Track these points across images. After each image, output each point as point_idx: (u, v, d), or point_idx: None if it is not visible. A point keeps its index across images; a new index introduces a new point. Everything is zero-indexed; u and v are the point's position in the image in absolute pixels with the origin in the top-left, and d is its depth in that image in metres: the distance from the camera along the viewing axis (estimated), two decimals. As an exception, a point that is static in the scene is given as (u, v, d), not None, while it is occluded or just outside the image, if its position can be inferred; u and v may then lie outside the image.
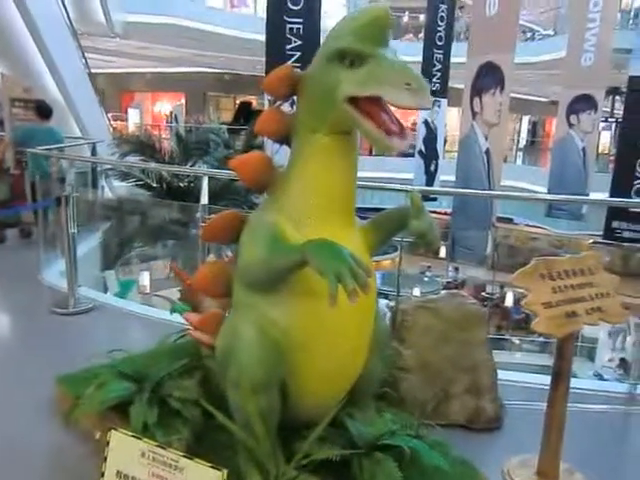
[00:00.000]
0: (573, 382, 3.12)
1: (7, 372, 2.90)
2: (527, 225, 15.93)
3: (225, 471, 1.48)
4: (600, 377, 8.98)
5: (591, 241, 8.74)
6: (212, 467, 1.50)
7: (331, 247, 1.46)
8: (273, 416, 1.69)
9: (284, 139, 1.80)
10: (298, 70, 1.74)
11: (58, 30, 8.85)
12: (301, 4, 4.84)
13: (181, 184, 7.55)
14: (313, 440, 1.69)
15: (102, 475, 1.63)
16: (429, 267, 15.88)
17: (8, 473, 2.06)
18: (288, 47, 4.89)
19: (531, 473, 1.97)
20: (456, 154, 8.12)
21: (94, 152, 7.10)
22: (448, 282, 14.51)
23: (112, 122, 13.23)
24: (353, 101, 1.50)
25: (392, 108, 1.50)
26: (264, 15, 5.04)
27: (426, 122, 9.01)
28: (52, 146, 5.38)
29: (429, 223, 1.68)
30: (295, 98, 1.76)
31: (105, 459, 1.64)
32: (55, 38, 8.54)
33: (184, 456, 1.55)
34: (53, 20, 8.64)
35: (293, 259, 1.53)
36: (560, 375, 1.89)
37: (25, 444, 2.23)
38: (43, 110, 6.25)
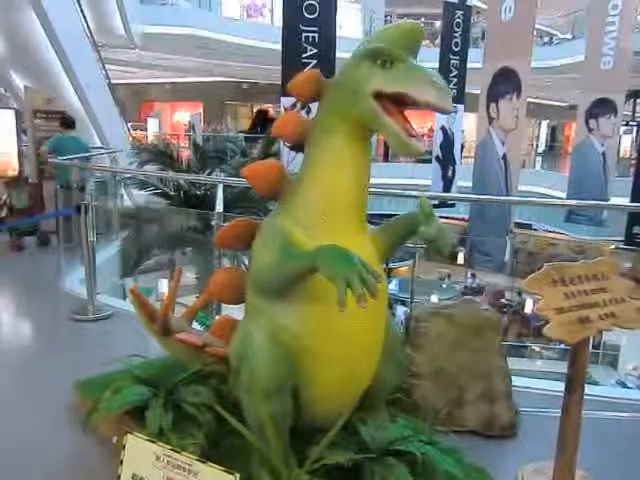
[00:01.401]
0: (594, 389, 3.11)
1: (27, 377, 2.96)
2: (546, 231, 15.73)
3: (237, 475, 1.49)
4: (623, 385, 8.81)
5: (612, 247, 8.61)
6: (225, 471, 1.52)
7: (340, 253, 1.48)
8: (285, 421, 1.71)
9: (299, 144, 1.83)
10: (325, 77, 1.77)
11: (79, 42, 9.04)
12: (317, 13, 4.89)
13: (198, 192, 7.62)
14: (325, 445, 1.70)
15: (118, 478, 1.66)
16: (449, 275, 15.79)
17: (28, 475, 2.11)
18: (304, 55, 4.93)
19: (546, 481, 1.95)
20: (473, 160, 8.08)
21: (113, 161, 7.25)
22: (466, 287, 14.41)
23: (132, 132, 13.44)
24: (378, 100, 1.55)
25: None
26: (280, 24, 5.09)
27: (443, 128, 8.97)
28: (76, 155, 5.53)
29: (438, 228, 1.69)
30: (314, 105, 1.79)
31: (121, 462, 1.67)
32: (76, 50, 8.72)
33: (198, 460, 1.57)
34: (74, 33, 8.82)
35: (304, 265, 1.55)
36: (574, 381, 1.87)
37: (45, 447, 2.28)
38: (67, 120, 6.60)
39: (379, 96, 1.54)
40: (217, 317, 2.87)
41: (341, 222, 1.69)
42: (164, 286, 9.19)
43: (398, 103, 1.54)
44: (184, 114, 23.50)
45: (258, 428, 1.70)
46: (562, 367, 1.94)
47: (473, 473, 1.89)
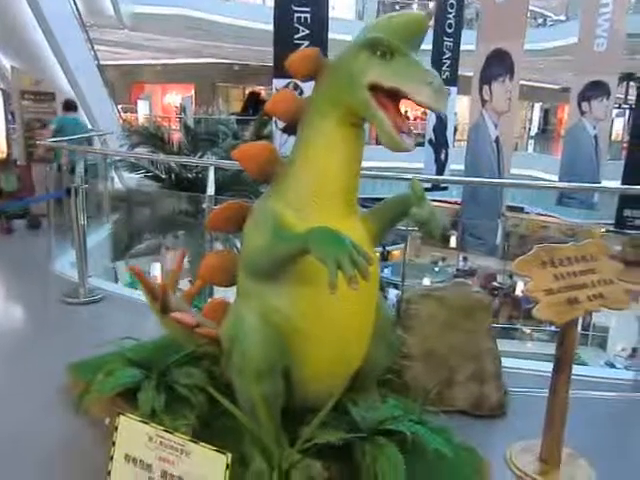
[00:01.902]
0: (581, 369, 3.15)
1: (19, 360, 2.96)
2: (538, 214, 15.81)
3: (229, 455, 1.51)
4: (612, 366, 8.95)
5: (603, 230, 8.67)
6: (217, 451, 1.53)
7: (331, 235, 1.48)
8: (277, 401, 1.73)
9: (293, 124, 1.81)
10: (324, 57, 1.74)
11: (67, 22, 8.89)
12: (309, -7, 4.82)
13: (189, 175, 7.58)
14: (316, 425, 1.72)
15: (111, 459, 1.67)
16: (444, 258, 15.86)
17: (21, 458, 2.13)
18: (296, 36, 4.87)
19: (534, 458, 1.98)
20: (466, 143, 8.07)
21: (103, 144, 7.21)
22: (458, 270, 14.50)
23: (122, 114, 13.29)
24: (373, 92, 1.53)
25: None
26: (272, 5, 5.02)
27: (436, 110, 8.94)
28: (73, 137, 5.55)
29: (430, 211, 1.69)
30: (307, 87, 1.77)
31: (114, 443, 1.68)
32: (64, 30, 8.58)
33: (190, 440, 1.58)
34: (62, 12, 8.67)
35: (295, 247, 1.55)
36: (563, 362, 1.89)
37: (37, 430, 2.29)
38: (68, 103, 6.89)
39: (375, 87, 1.53)
40: (209, 300, 2.87)
41: (332, 204, 1.68)
42: (157, 270, 9.18)
43: (393, 95, 1.52)
44: (175, 96, 23.23)
45: (250, 409, 1.72)
46: (552, 349, 1.96)
47: (462, 452, 1.93)
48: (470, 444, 2.01)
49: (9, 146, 6.64)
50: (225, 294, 2.35)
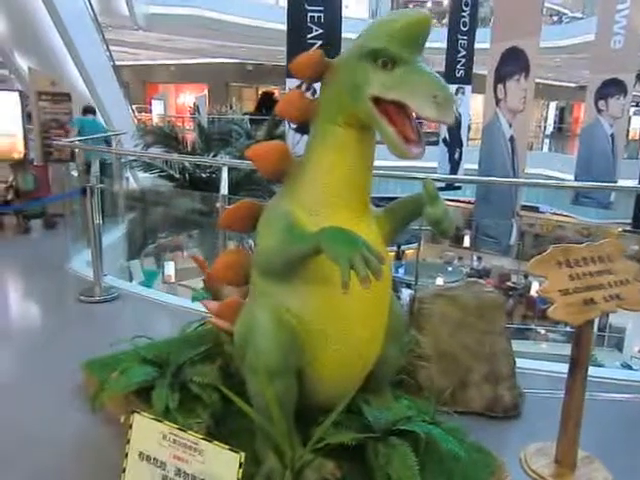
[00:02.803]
0: (597, 371, 3.12)
1: (36, 358, 3.00)
2: (554, 213, 15.64)
3: (242, 454, 1.51)
4: (629, 367, 8.82)
5: (620, 229, 8.55)
6: (230, 449, 1.54)
7: (344, 234, 1.47)
8: (290, 401, 1.73)
9: (304, 125, 1.81)
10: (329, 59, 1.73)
11: (83, 24, 9.00)
12: (322, -8, 4.82)
13: (203, 175, 7.62)
14: (329, 425, 1.72)
15: (125, 456, 1.69)
16: (460, 258, 15.76)
17: (38, 453, 2.15)
18: (309, 36, 4.87)
19: (549, 460, 1.96)
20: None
21: (118, 144, 7.30)
22: (472, 270, 14.42)
23: (136, 114, 13.40)
24: (377, 101, 1.50)
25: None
26: (285, 4, 5.03)
27: (451, 110, 8.90)
28: (92, 136, 5.66)
29: (443, 210, 1.67)
30: (319, 85, 1.76)
31: (128, 441, 1.69)
32: (80, 32, 8.69)
33: (203, 439, 1.59)
34: (78, 14, 8.78)
35: (307, 246, 1.55)
36: (578, 363, 1.87)
37: (53, 426, 2.32)
38: (87, 107, 7.18)
39: (378, 98, 1.49)
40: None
41: (345, 204, 1.68)
42: (171, 269, 9.25)
43: (399, 105, 1.47)
44: (189, 96, 23.36)
45: (263, 408, 1.72)
46: (567, 350, 1.94)
47: (475, 453, 1.91)
48: (484, 445, 1.99)
49: (26, 146, 6.72)
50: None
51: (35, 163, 6.75)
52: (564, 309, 1.74)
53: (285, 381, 1.69)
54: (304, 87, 1.87)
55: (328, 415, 1.74)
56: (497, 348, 2.40)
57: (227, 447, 1.55)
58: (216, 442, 1.56)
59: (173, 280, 9.24)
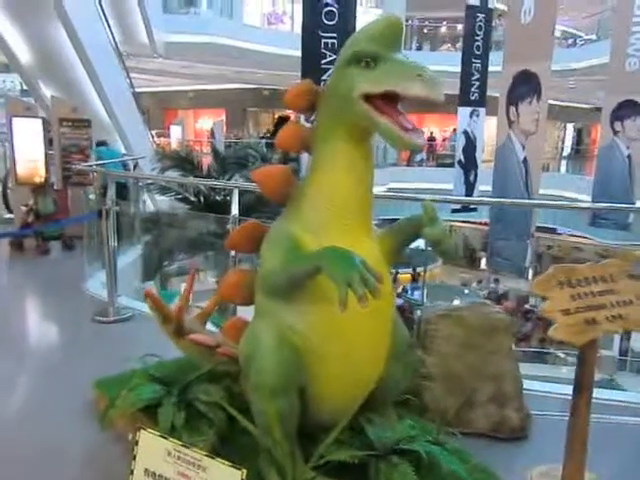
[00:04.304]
0: (613, 394, 3.06)
1: (50, 376, 3.07)
2: (570, 235, 15.46)
3: (244, 470, 1.53)
4: (651, 393, 8.60)
5: (639, 252, 8.41)
6: (232, 466, 1.56)
7: (342, 254, 1.51)
8: (292, 419, 1.74)
9: (307, 151, 1.87)
10: (318, 86, 1.81)
11: (104, 52, 9.27)
12: (336, 19, 4.93)
13: (218, 197, 7.74)
14: (331, 443, 1.73)
15: (132, 472, 1.72)
16: (480, 281, 15.57)
17: (48, 469, 2.20)
18: (323, 62, 4.97)
19: (555, 483, 1.94)
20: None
21: (137, 168, 7.51)
22: (489, 293, 14.24)
23: (155, 139, 13.69)
24: (369, 101, 1.57)
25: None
26: (300, 31, 5.16)
27: (466, 132, 8.95)
28: (108, 161, 5.84)
29: (442, 231, 1.70)
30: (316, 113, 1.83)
31: (134, 457, 1.72)
32: (101, 60, 8.94)
33: (206, 455, 1.61)
34: (100, 43, 9.05)
35: (308, 266, 1.59)
36: (583, 384, 1.86)
37: (64, 443, 2.37)
38: (99, 143, 7.55)
39: (369, 97, 1.56)
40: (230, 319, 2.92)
41: (346, 224, 1.72)
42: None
43: (390, 99, 1.55)
44: (207, 121, 23.81)
45: (265, 426, 1.74)
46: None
47: (479, 474, 1.90)
48: (489, 466, 1.98)
49: (47, 171, 6.91)
50: (248, 313, 2.41)
51: (55, 187, 6.94)
52: (565, 329, 1.75)
53: (287, 399, 1.71)
54: (303, 119, 1.94)
55: (330, 433, 1.76)
56: (503, 368, 2.39)
57: (229, 463, 1.57)
58: (218, 459, 1.58)
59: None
